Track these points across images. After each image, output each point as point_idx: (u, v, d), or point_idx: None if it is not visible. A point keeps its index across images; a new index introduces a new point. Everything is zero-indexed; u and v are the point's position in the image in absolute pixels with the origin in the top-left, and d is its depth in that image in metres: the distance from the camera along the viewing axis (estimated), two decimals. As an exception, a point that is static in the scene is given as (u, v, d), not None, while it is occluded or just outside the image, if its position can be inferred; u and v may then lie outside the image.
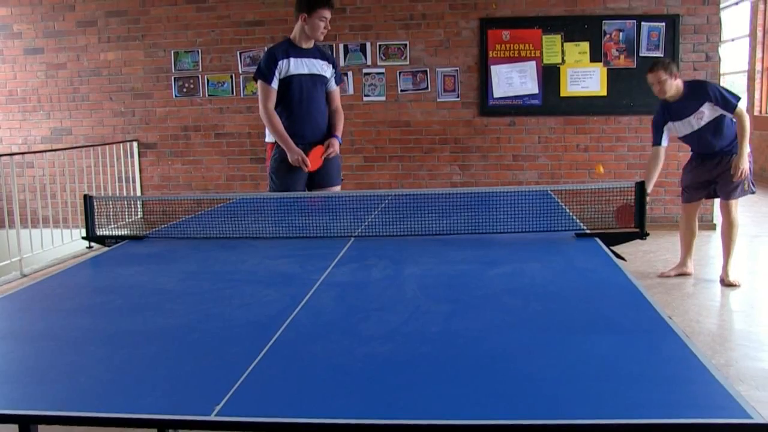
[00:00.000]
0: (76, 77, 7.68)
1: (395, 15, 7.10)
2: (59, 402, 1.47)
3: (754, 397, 3.03)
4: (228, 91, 7.44)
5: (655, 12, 6.82)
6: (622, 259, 2.68)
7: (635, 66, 6.85)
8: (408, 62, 7.14)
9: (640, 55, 6.84)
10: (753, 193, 4.95)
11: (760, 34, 10.75)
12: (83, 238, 3.24)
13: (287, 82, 4.12)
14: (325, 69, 4.23)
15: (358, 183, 7.08)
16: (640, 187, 2.95)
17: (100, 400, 1.47)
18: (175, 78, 7.51)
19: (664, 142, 4.97)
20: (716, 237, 6.52)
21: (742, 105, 4.77)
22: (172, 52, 7.47)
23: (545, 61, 6.96)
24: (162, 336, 1.86)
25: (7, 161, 6.21)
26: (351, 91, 7.16)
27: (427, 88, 7.16)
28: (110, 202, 3.40)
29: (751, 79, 10.98)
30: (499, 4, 6.98)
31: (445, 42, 7.11)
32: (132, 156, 7.66)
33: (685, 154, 5.39)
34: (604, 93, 6.95)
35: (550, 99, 6.99)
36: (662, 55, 6.77)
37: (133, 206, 4.27)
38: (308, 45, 4.19)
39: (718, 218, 6.99)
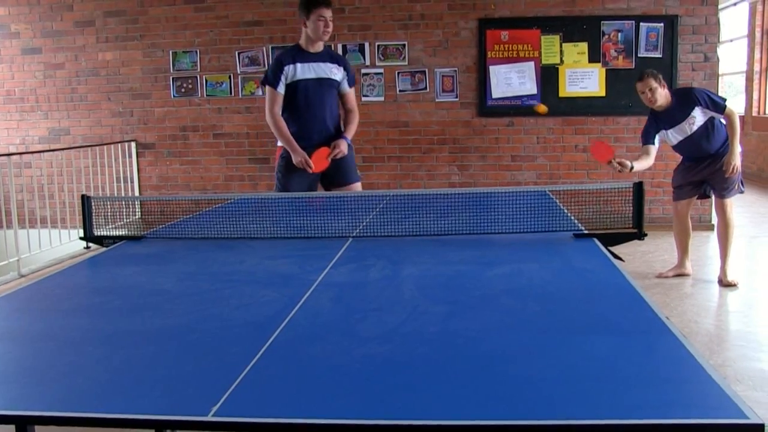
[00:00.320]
0: (74, 77, 7.67)
1: (394, 15, 7.10)
2: (57, 402, 1.47)
3: (752, 398, 3.04)
4: (226, 91, 7.44)
5: (654, 12, 6.82)
6: (620, 259, 2.68)
7: (634, 66, 6.85)
8: (407, 62, 7.14)
9: (639, 55, 6.85)
10: (742, 192, 4.96)
11: (758, 34, 10.75)
12: (81, 238, 3.23)
13: (293, 87, 4.16)
14: (334, 72, 4.23)
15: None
16: (638, 187, 2.96)
17: (98, 401, 1.47)
18: (173, 78, 7.50)
19: (656, 143, 4.99)
20: (714, 237, 6.52)
21: (730, 105, 4.78)
22: (171, 52, 7.46)
23: (544, 62, 6.96)
24: (160, 336, 1.86)
25: (4, 161, 6.21)
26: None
27: (425, 88, 7.16)
28: (108, 203, 3.39)
29: (749, 80, 10.99)
30: (498, 4, 6.98)
31: (443, 42, 7.11)
32: (130, 156, 7.66)
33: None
34: (602, 93, 6.96)
35: (548, 99, 6.99)
36: (661, 56, 6.79)
37: (131, 206, 4.27)
38: (316, 49, 4.19)
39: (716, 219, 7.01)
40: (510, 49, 6.99)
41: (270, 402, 1.42)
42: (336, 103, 4.30)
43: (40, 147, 7.65)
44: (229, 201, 4.23)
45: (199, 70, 7.45)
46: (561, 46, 6.93)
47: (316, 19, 4.06)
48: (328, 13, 4.07)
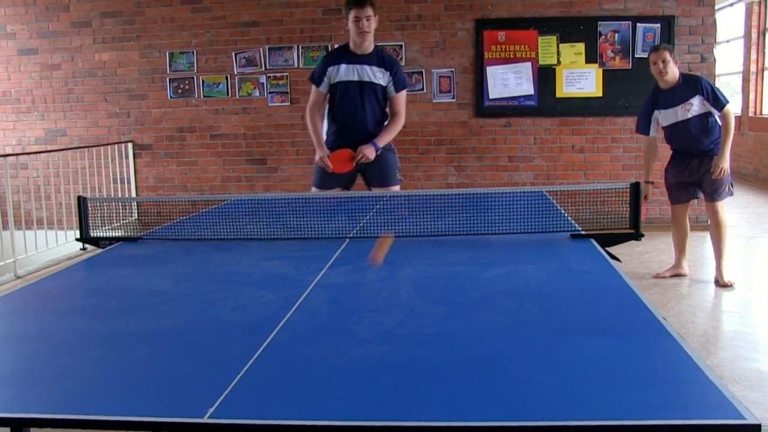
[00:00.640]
0: (70, 78, 7.66)
1: (391, 16, 7.10)
2: (52, 404, 1.47)
3: (748, 398, 3.04)
4: (223, 92, 7.43)
5: (651, 13, 6.83)
6: (617, 260, 2.68)
7: (630, 67, 6.86)
8: (403, 63, 7.12)
9: (636, 56, 6.86)
10: (731, 194, 4.95)
11: (754, 35, 10.77)
12: (77, 239, 3.23)
13: (336, 87, 4.24)
14: (378, 76, 4.21)
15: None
16: (635, 188, 2.96)
17: (94, 403, 1.47)
18: (170, 79, 7.49)
19: (652, 132, 5.03)
20: (710, 238, 6.54)
21: (730, 108, 4.79)
22: (168, 53, 7.45)
23: (541, 62, 6.96)
24: (156, 338, 1.86)
25: (1, 163, 6.20)
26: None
27: (422, 89, 7.16)
28: (104, 204, 3.39)
29: (745, 81, 11.01)
30: (495, 5, 6.98)
31: (440, 43, 7.11)
32: (127, 157, 7.64)
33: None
34: (599, 94, 6.96)
35: (545, 100, 7.00)
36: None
37: (127, 208, 4.26)
38: (363, 50, 4.19)
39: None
40: (507, 49, 6.99)
41: (267, 404, 1.42)
42: (380, 106, 4.29)
43: (37, 148, 7.63)
44: (225, 202, 4.23)
45: (195, 71, 7.44)
46: (558, 47, 6.93)
47: (352, 19, 4.10)
48: (362, 13, 4.07)
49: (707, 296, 4.77)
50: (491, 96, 7.06)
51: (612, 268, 2.41)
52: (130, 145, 7.64)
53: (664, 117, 4.91)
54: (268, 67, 7.31)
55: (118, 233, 3.36)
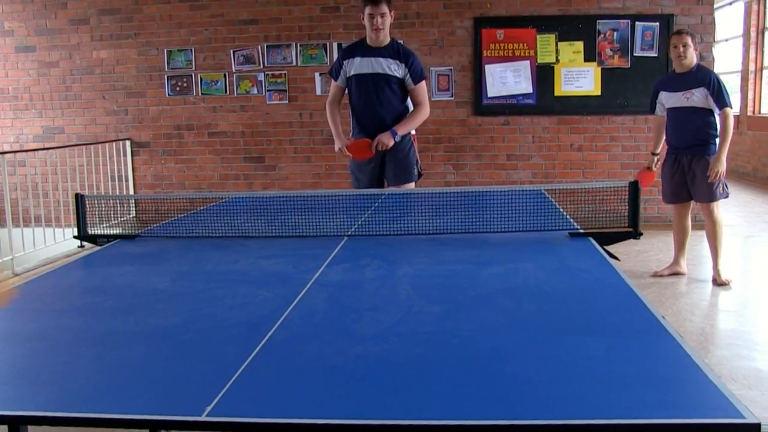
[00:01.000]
0: (68, 75, 7.65)
1: (389, 14, 7.08)
2: (50, 403, 1.46)
3: (747, 397, 3.04)
4: (221, 89, 7.42)
5: (650, 12, 6.83)
6: (616, 258, 2.68)
7: (629, 66, 6.86)
8: (402, 61, 7.12)
9: (634, 54, 6.86)
10: (726, 196, 4.94)
11: (753, 34, 10.78)
12: (75, 237, 3.22)
13: (351, 81, 4.36)
14: (394, 68, 4.28)
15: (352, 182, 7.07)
16: (634, 186, 2.96)
17: (91, 401, 1.46)
18: (168, 76, 7.48)
19: (659, 112, 5.07)
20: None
21: (731, 112, 4.77)
22: (166, 50, 7.44)
23: (539, 61, 6.96)
24: (153, 336, 1.85)
25: (-1, 160, 6.18)
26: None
27: (421, 87, 7.14)
28: (102, 201, 3.38)
29: (744, 80, 11.01)
30: (494, 3, 6.97)
31: (439, 41, 7.10)
32: (125, 155, 7.63)
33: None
34: (598, 92, 6.96)
35: (544, 98, 7.00)
36: (656, 55, 6.80)
37: (125, 205, 4.25)
38: (378, 44, 4.28)
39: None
40: (505, 48, 6.99)
41: (265, 402, 1.42)
42: (397, 98, 4.35)
43: (35, 145, 7.62)
44: (223, 200, 4.22)
45: (194, 68, 7.43)
46: (557, 45, 6.93)
47: (366, 16, 4.21)
48: (376, 11, 4.17)
49: (705, 295, 4.77)
50: (490, 94, 7.06)
51: (611, 267, 2.41)
52: (128, 143, 7.63)
53: (667, 99, 4.94)
54: (266, 64, 7.30)
55: (116, 231, 3.36)
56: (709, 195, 4.82)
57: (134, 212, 6.89)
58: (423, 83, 4.38)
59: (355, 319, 1.94)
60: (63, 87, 7.67)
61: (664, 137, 5.16)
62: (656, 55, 6.80)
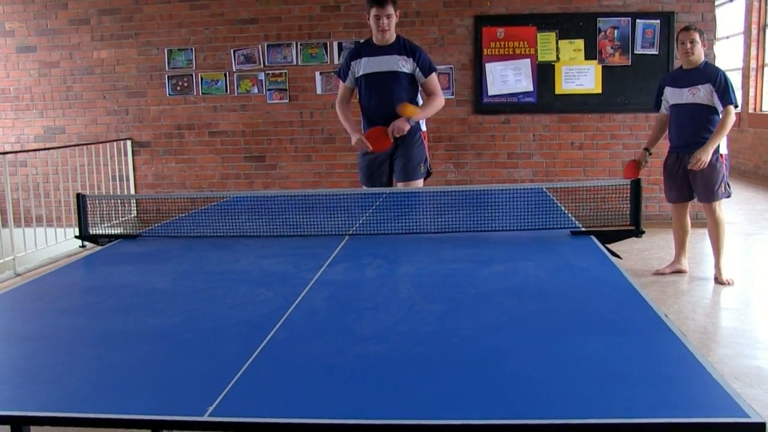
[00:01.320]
0: (69, 75, 7.64)
1: (389, 12, 7.07)
2: (51, 403, 1.46)
3: (749, 395, 3.03)
4: (222, 89, 7.41)
5: (650, 9, 6.82)
6: (618, 256, 2.68)
7: (630, 63, 6.84)
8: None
9: (635, 52, 6.84)
10: (729, 196, 4.91)
11: (754, 31, 10.76)
12: (76, 237, 3.22)
13: (361, 80, 4.39)
14: (401, 65, 4.31)
15: (353, 181, 7.07)
16: (636, 184, 2.95)
17: (93, 401, 1.46)
18: (168, 76, 7.47)
19: (664, 109, 5.04)
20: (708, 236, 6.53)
21: (734, 110, 4.70)
22: (166, 50, 7.43)
23: (540, 59, 6.95)
24: (154, 336, 1.85)
25: (0, 160, 6.18)
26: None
27: (421, 85, 7.13)
28: (103, 201, 3.38)
29: (745, 77, 11.00)
30: (494, 1, 6.96)
31: (439, 40, 7.09)
32: (126, 155, 7.63)
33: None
34: (599, 90, 6.95)
35: (544, 97, 6.98)
36: (657, 53, 6.78)
37: (126, 205, 4.25)
38: (384, 42, 4.30)
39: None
40: (506, 46, 6.98)
41: (266, 402, 1.42)
42: (407, 94, 4.37)
43: (36, 145, 7.61)
44: (224, 199, 4.22)
45: (194, 68, 7.43)
46: (557, 43, 6.92)
47: (372, 17, 4.22)
48: (382, 12, 4.19)
49: (707, 293, 4.77)
50: (490, 93, 7.05)
51: (612, 265, 2.40)
52: (128, 143, 7.63)
53: (671, 95, 4.91)
54: (266, 64, 7.29)
55: (117, 230, 3.36)
56: (711, 194, 4.80)
57: (135, 212, 6.90)
58: (434, 75, 4.41)
59: (355, 319, 1.94)
60: (64, 87, 7.67)
61: (662, 136, 5.13)
62: (657, 52, 6.79)
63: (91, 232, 3.18)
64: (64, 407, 1.43)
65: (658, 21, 6.79)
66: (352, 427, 1.31)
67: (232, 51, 7.33)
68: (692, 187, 4.89)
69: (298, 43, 7.22)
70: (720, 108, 4.70)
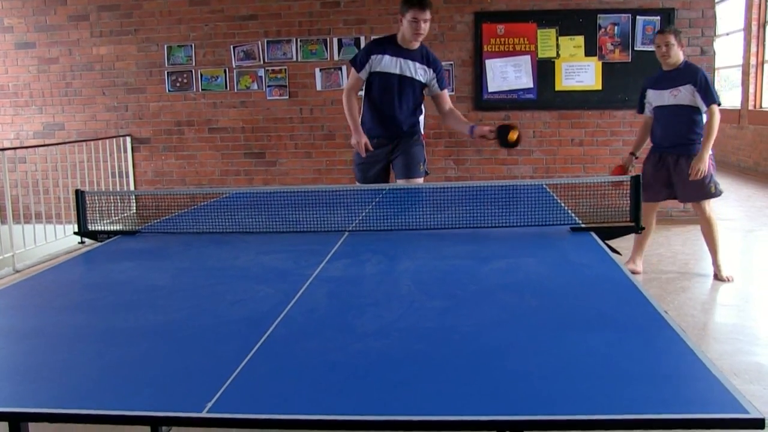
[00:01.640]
0: (68, 72, 7.63)
1: (389, 9, 7.06)
2: (50, 399, 1.46)
3: (748, 391, 3.03)
4: (222, 85, 7.41)
5: (650, 6, 6.81)
6: (617, 253, 2.68)
7: (630, 60, 6.84)
8: (402, 56, 7.10)
9: (635, 49, 6.83)
10: (719, 195, 4.86)
11: (754, 28, 10.75)
12: (75, 233, 3.22)
13: (376, 76, 4.30)
14: (420, 73, 4.28)
15: (352, 177, 7.05)
16: (636, 181, 2.95)
17: (92, 398, 1.46)
18: (168, 72, 7.46)
19: (647, 112, 5.01)
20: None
21: (719, 109, 4.69)
22: (166, 46, 7.42)
23: (540, 56, 6.94)
24: (154, 332, 1.85)
25: (-1, 156, 6.18)
26: (344, 85, 7.14)
27: (421, 82, 7.12)
28: (103, 198, 3.37)
29: (745, 74, 10.99)
30: (494, -3, 6.96)
31: (439, 36, 7.08)
32: (125, 151, 7.62)
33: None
34: (599, 87, 6.94)
35: (544, 93, 6.98)
36: (657, 50, 6.77)
37: (126, 201, 4.25)
38: (410, 46, 4.25)
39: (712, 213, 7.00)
40: (506, 42, 6.97)
41: (265, 398, 1.41)
42: (416, 102, 4.36)
43: (35, 142, 7.61)
44: (224, 196, 4.21)
45: (194, 64, 7.42)
46: (557, 40, 6.91)
47: (410, 19, 4.13)
48: (422, 16, 4.12)
49: (706, 290, 4.77)
50: (490, 89, 7.04)
51: (612, 262, 2.40)
52: (128, 139, 7.62)
53: (654, 97, 4.89)
54: (266, 60, 7.28)
55: (118, 227, 3.35)
56: (701, 194, 4.76)
57: (135, 208, 6.89)
58: (447, 89, 4.44)
59: (355, 315, 1.94)
60: (63, 83, 7.66)
61: (647, 139, 5.10)
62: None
63: (90, 228, 3.18)
64: (63, 404, 1.43)
65: (659, 17, 6.78)
66: (352, 423, 1.31)
67: (231, 47, 7.32)
68: (679, 189, 4.83)
69: (298, 40, 7.21)
70: (704, 108, 4.67)
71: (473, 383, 1.43)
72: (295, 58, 7.25)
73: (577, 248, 2.65)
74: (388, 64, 4.26)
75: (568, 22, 6.88)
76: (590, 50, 6.88)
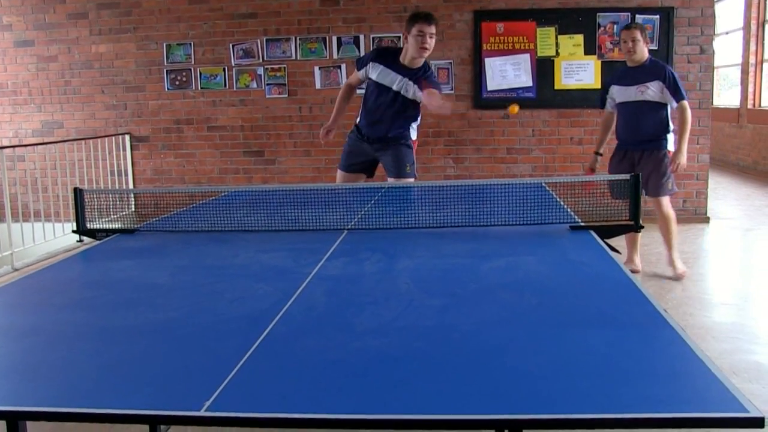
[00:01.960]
0: (67, 70, 7.62)
1: (389, 7, 7.06)
2: (48, 398, 1.45)
3: (747, 390, 3.03)
4: (221, 83, 7.40)
5: (650, 4, 6.80)
6: (617, 251, 2.67)
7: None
8: (402, 55, 7.10)
9: (635, 47, 6.82)
10: (674, 192, 4.86)
11: (754, 26, 10.75)
12: (74, 231, 3.21)
13: (372, 83, 4.36)
14: (411, 92, 4.24)
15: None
16: (636, 180, 2.95)
17: (90, 396, 1.45)
18: (167, 71, 7.46)
19: (609, 107, 5.00)
20: (709, 230, 6.55)
21: (688, 104, 4.69)
22: (165, 44, 7.41)
23: (539, 54, 6.93)
24: (152, 331, 1.85)
25: (-3, 155, 6.17)
26: (343, 83, 7.14)
27: (420, 80, 7.12)
28: (101, 196, 3.37)
29: (744, 73, 10.99)
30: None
31: (438, 34, 7.04)
32: (124, 149, 7.61)
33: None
34: (598, 86, 6.90)
35: (544, 92, 6.97)
36: (656, 48, 6.76)
37: (124, 199, 4.24)
38: (412, 64, 4.23)
39: (712, 212, 7.02)
40: (505, 41, 6.97)
41: (264, 397, 1.41)
42: (407, 116, 4.35)
43: (34, 140, 7.60)
44: (223, 194, 4.21)
45: (193, 62, 7.41)
46: (556, 38, 6.90)
47: (416, 33, 4.11)
48: (427, 29, 4.10)
49: (705, 288, 4.77)
50: (490, 88, 7.03)
51: (612, 260, 2.40)
52: (127, 137, 7.62)
53: (619, 93, 4.86)
54: (265, 58, 7.28)
55: (117, 225, 3.35)
56: (659, 190, 4.76)
57: (133, 207, 6.88)
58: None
59: (355, 313, 1.94)
60: (62, 81, 7.65)
61: (609, 135, 5.07)
62: (656, 48, 6.77)
63: (89, 226, 3.17)
64: (61, 403, 1.43)
65: (658, 16, 6.77)
66: (350, 422, 1.31)
67: (231, 45, 7.31)
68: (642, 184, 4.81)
69: (297, 38, 7.21)
70: (673, 104, 4.68)
71: (472, 382, 1.43)
72: (294, 57, 7.24)
73: (576, 247, 2.65)
74: (383, 76, 4.26)
75: (568, 21, 6.87)
76: (589, 49, 6.88)
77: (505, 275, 2.31)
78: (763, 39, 10.73)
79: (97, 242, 3.06)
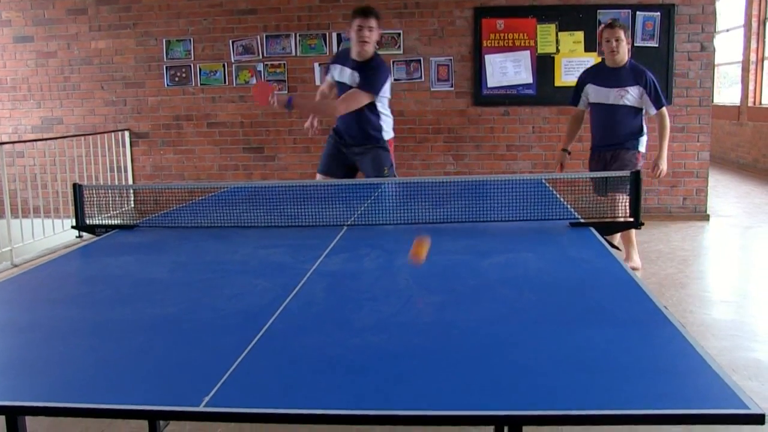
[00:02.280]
0: (66, 66, 7.61)
1: (389, 4, 7.05)
2: (47, 393, 1.45)
3: (747, 387, 3.02)
4: (220, 80, 7.39)
5: (650, 1, 6.79)
6: (617, 248, 2.67)
7: (630, 55, 6.80)
8: (402, 51, 7.10)
9: (635, 44, 6.79)
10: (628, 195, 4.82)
11: (755, 24, 10.74)
12: (73, 227, 3.21)
13: (336, 85, 4.49)
14: (355, 80, 4.30)
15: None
16: (636, 177, 2.94)
17: (89, 392, 1.45)
18: (167, 67, 7.45)
19: (581, 105, 4.91)
20: (709, 228, 6.54)
21: (666, 111, 4.65)
22: (164, 40, 7.40)
23: (540, 51, 6.93)
24: (151, 326, 1.84)
25: (-3, 150, 6.16)
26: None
27: (420, 77, 7.12)
28: (101, 191, 3.36)
29: (745, 70, 10.98)
30: (494, -7, 6.94)
31: (439, 31, 7.06)
32: (124, 145, 7.61)
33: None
34: (598, 83, 6.92)
35: (544, 89, 6.96)
36: (657, 45, 6.76)
37: (124, 196, 4.24)
38: (360, 57, 4.28)
39: (712, 209, 7.02)
40: (505, 38, 6.96)
41: (263, 392, 1.41)
42: (366, 108, 4.33)
43: (33, 136, 7.59)
44: (222, 190, 4.20)
45: (192, 58, 7.40)
46: (557, 35, 6.89)
47: (356, 28, 4.23)
48: (365, 23, 4.21)
49: (705, 286, 4.77)
50: (490, 84, 7.03)
51: (612, 257, 2.40)
52: (126, 134, 7.61)
53: (595, 93, 4.76)
54: (265, 54, 7.27)
55: (116, 221, 3.34)
56: (619, 186, 4.72)
57: (133, 203, 6.88)
58: (358, 90, 4.25)
59: (354, 309, 1.93)
60: (61, 77, 7.64)
61: (578, 132, 4.99)
62: (657, 45, 6.77)
63: (88, 222, 3.17)
64: (60, 398, 1.42)
65: (659, 13, 6.76)
66: (350, 417, 1.31)
67: (230, 42, 7.30)
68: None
69: (297, 34, 7.20)
70: (652, 111, 4.61)
71: (472, 378, 1.43)
72: (294, 53, 7.23)
73: (576, 243, 2.64)
74: (340, 74, 4.39)
75: (568, 18, 6.86)
76: (590, 46, 6.87)
77: (505, 272, 2.31)
78: (764, 37, 10.72)
79: (97, 238, 3.06)
